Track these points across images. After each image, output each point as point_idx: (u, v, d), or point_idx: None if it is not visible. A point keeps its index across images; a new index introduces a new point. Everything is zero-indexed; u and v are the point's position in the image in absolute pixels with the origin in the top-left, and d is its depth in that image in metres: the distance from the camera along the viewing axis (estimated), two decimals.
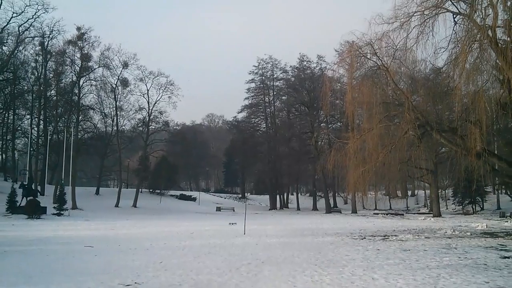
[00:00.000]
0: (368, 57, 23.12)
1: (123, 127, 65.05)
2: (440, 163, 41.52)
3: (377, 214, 52.84)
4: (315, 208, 67.75)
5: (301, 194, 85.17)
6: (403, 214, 51.57)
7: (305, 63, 71.06)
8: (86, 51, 54.75)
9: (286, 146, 71.02)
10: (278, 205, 72.54)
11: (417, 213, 55.54)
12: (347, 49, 25.69)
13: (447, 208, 58.89)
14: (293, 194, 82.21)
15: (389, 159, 22.34)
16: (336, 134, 48.87)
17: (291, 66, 72.97)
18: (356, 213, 56.04)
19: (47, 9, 51.18)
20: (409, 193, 79.36)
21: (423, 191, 70.42)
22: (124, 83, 60.34)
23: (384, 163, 22.35)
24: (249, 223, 24.49)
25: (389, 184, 46.82)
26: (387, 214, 51.56)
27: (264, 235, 21.54)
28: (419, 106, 22.92)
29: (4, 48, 53.53)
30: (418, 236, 20.69)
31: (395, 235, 21.14)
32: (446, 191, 61.21)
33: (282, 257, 13.31)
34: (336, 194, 75.71)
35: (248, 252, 14.67)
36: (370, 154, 22.26)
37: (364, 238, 20.08)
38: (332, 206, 66.79)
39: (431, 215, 45.82)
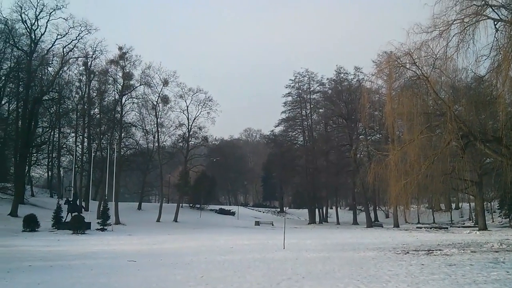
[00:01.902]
0: (407, 67, 22.78)
1: (164, 143, 66.56)
2: (485, 174, 40.15)
3: (420, 228, 51.34)
4: (355, 222, 66.63)
5: (340, 208, 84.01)
6: (447, 228, 49.94)
7: (342, 75, 70.44)
8: (127, 70, 56.65)
9: (324, 159, 70.50)
10: (317, 219, 71.66)
11: (461, 227, 53.66)
12: (385, 60, 25.43)
13: (493, 221, 56.68)
14: (332, 208, 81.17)
15: (432, 171, 21.76)
16: (375, 146, 48.07)
17: (328, 79, 72.48)
18: (398, 227, 54.56)
19: (90, 30, 52.76)
20: (453, 206, 76.63)
21: (468, 204, 68.09)
22: (165, 100, 61.76)
23: (426, 175, 21.76)
24: (288, 237, 24.31)
25: (432, 196, 45.50)
26: (430, 228, 50.06)
27: (303, 249, 21.33)
28: (461, 115, 22.28)
29: (49, 69, 55.62)
30: (463, 250, 19.99)
31: (440, 250, 20.50)
32: (492, 203, 59.00)
33: (322, 272, 13.14)
34: (377, 208, 74.15)
35: (288, 266, 14.56)
36: (412, 166, 21.74)
37: (408, 252, 19.56)
38: (373, 220, 65.42)
39: (477, 228, 44.17)
